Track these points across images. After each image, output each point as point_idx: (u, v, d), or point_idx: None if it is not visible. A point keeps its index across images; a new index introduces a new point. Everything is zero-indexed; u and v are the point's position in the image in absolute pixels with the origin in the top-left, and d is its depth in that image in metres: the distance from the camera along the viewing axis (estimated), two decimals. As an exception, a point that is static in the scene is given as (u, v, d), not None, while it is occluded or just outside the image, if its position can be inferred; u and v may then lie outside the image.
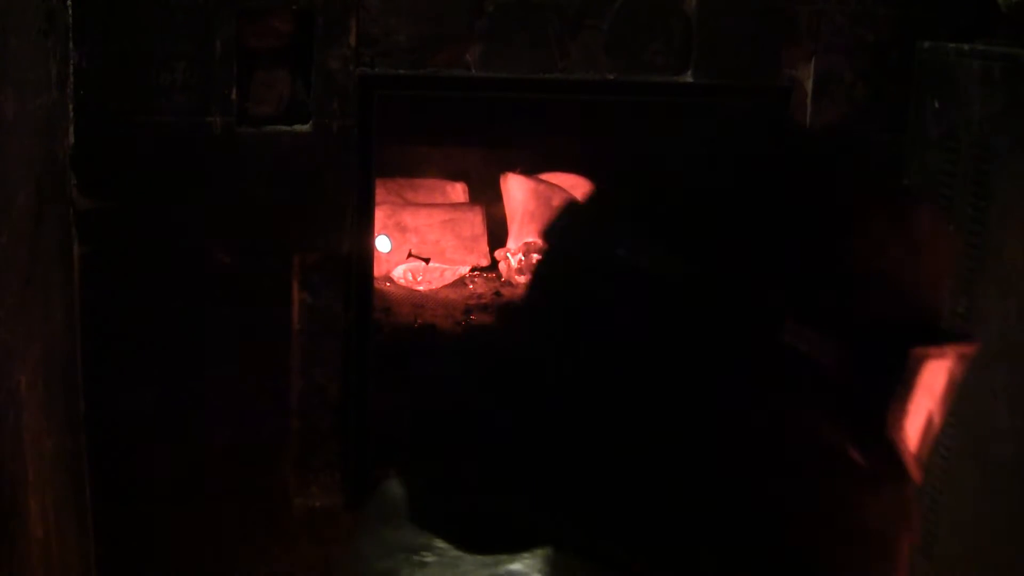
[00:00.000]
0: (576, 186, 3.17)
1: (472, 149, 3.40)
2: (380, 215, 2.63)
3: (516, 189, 3.35)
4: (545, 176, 3.33)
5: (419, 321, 3.02)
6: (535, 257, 3.19)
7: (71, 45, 2.12)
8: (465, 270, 3.35)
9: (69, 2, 2.11)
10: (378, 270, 2.89)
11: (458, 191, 3.47)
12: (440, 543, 0.80)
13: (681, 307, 0.77)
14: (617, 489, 0.79)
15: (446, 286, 3.30)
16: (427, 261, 3.29)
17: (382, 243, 3.23)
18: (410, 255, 3.28)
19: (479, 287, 3.33)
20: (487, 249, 3.36)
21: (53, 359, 2.03)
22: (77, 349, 2.22)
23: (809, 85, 2.39)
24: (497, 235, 3.38)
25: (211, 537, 2.36)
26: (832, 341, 0.75)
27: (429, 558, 0.80)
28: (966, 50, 2.11)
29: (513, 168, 3.39)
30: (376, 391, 2.43)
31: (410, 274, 3.29)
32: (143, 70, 2.17)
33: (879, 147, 2.40)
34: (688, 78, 2.35)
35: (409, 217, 3.29)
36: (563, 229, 0.90)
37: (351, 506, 2.41)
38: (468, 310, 3.12)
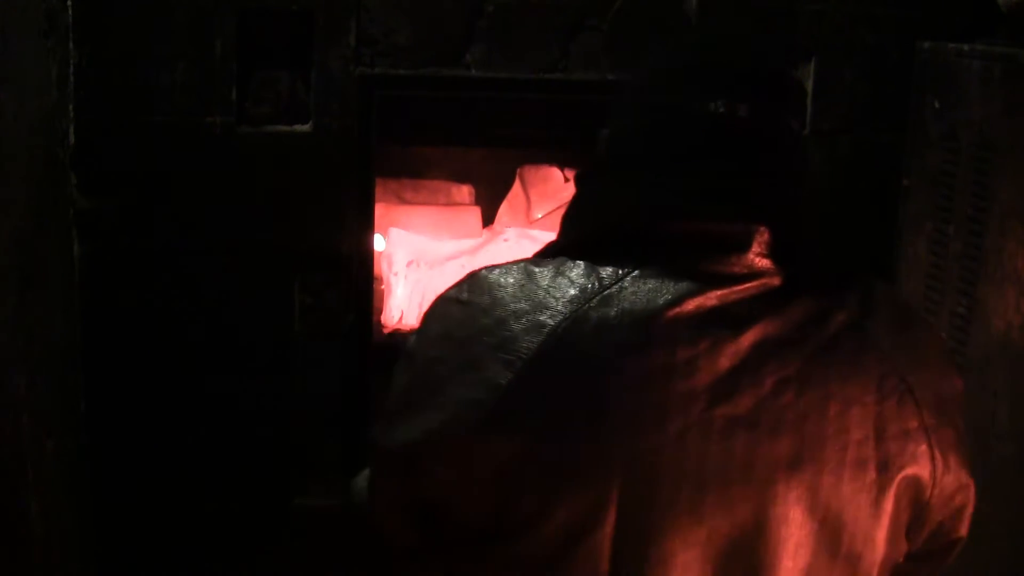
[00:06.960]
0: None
1: (473, 149, 3.39)
2: (380, 215, 2.63)
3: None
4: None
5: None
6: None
7: (71, 45, 2.12)
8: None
9: (69, 2, 2.11)
10: (378, 270, 2.89)
11: (463, 193, 3.45)
12: None
13: None
14: None
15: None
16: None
17: (382, 243, 3.22)
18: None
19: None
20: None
21: (53, 359, 2.03)
22: (77, 349, 2.22)
23: (809, 85, 2.39)
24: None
25: (211, 537, 2.36)
26: None
27: None
28: (966, 50, 2.10)
29: (514, 168, 3.38)
30: (376, 391, 2.43)
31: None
32: (143, 70, 2.17)
33: (879, 147, 2.40)
34: (688, 78, 2.34)
35: (409, 217, 3.28)
36: None
37: (351, 506, 2.40)
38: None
